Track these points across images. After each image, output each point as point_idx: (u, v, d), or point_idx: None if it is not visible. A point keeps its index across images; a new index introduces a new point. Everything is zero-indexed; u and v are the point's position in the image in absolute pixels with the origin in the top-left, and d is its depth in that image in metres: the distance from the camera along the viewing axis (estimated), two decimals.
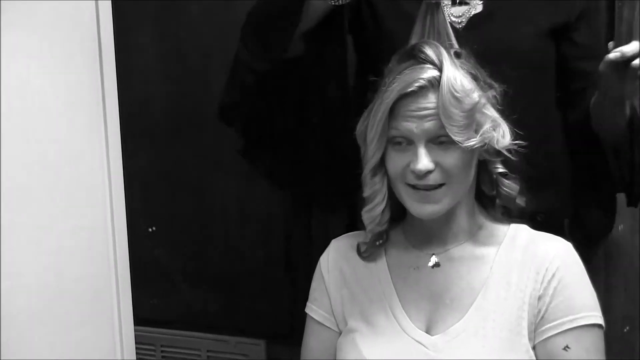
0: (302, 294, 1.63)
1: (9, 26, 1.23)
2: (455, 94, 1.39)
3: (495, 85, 1.47)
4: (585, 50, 1.70)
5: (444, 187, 1.42)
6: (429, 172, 1.41)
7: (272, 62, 1.72)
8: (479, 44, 1.50)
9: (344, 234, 1.62)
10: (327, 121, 1.82)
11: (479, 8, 1.66)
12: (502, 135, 1.44)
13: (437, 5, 1.50)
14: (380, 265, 1.53)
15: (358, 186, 1.52)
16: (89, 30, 1.38)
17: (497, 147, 1.44)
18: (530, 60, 1.64)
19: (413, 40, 1.51)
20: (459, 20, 1.68)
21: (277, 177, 1.96)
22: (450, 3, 1.67)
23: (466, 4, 1.68)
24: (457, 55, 1.45)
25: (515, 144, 1.45)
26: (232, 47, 1.83)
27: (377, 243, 1.53)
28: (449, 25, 1.52)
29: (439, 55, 1.41)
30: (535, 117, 1.67)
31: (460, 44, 1.50)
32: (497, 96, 1.46)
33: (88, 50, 1.38)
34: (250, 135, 1.86)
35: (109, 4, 1.41)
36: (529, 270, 1.45)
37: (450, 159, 1.41)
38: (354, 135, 1.50)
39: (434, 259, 1.50)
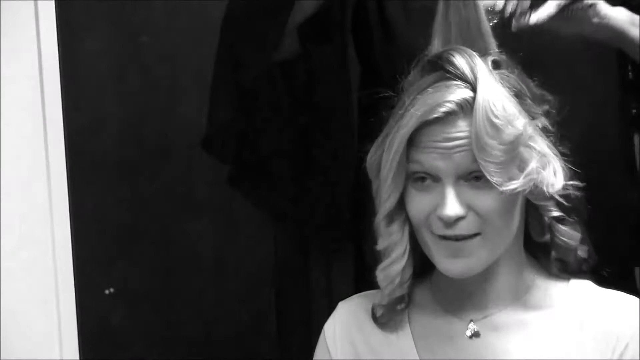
0: None
1: None
2: (494, 120, 1.36)
3: (549, 96, 1.45)
4: None
5: (478, 238, 1.40)
6: (460, 218, 1.39)
7: (260, 65, 1.76)
8: (523, 49, 1.48)
9: (351, 280, 1.73)
10: (327, 143, 1.87)
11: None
12: (554, 176, 1.42)
13: None
14: (403, 335, 1.51)
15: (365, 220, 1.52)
16: (26, 33, 1.41)
17: (547, 192, 1.41)
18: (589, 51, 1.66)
19: (435, 41, 1.49)
20: (489, 17, 1.60)
21: (270, 208, 2.03)
22: None
23: None
24: (496, 64, 1.43)
25: (572, 185, 1.43)
26: (206, 55, 1.86)
27: (398, 307, 1.51)
28: (483, 15, 1.49)
29: (473, 68, 1.39)
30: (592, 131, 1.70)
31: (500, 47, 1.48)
32: (552, 111, 1.45)
33: (25, 58, 1.41)
34: (239, 162, 1.92)
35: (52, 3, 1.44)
36: (594, 341, 1.43)
37: (487, 201, 1.39)
38: (364, 167, 1.48)
39: (472, 327, 1.47)
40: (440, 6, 1.49)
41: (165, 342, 2.50)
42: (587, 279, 1.50)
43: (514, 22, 1.52)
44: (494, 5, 1.61)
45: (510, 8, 1.52)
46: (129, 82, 2.46)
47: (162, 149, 2.45)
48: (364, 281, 1.70)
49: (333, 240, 1.95)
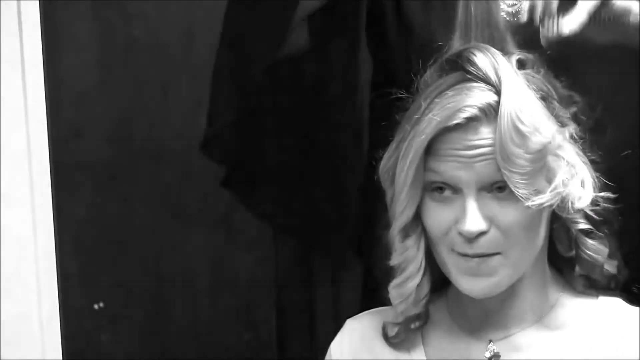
0: None
1: None
2: (521, 127, 1.34)
3: (577, 98, 1.44)
4: None
5: (499, 256, 1.39)
6: (482, 233, 1.37)
7: (265, 60, 1.76)
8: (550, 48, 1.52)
9: (359, 297, 1.74)
10: (333, 145, 1.88)
11: None
12: (583, 188, 1.40)
13: None
14: (416, 355, 1.49)
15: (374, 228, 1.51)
16: (8, 28, 1.42)
17: (575, 206, 1.40)
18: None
19: (456, 37, 1.54)
20: (513, 10, 1.66)
21: (269, 212, 2.03)
22: None
23: None
24: (522, 64, 1.42)
25: (602, 197, 1.41)
26: (201, 49, 1.94)
27: (412, 326, 1.49)
28: (499, 9, 1.54)
29: (496, 69, 1.37)
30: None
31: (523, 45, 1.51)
32: (580, 116, 1.43)
33: (6, 54, 1.42)
34: (238, 164, 1.93)
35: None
36: None
37: (511, 214, 1.37)
38: (376, 176, 1.47)
39: (491, 348, 1.45)
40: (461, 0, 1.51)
41: None
42: (617, 296, 1.48)
43: (542, 34, 1.51)
44: (517, 18, 1.63)
45: (537, 19, 1.51)
46: (117, 79, 2.45)
47: (154, 152, 2.44)
48: (372, 295, 1.67)
49: (336, 245, 1.96)
